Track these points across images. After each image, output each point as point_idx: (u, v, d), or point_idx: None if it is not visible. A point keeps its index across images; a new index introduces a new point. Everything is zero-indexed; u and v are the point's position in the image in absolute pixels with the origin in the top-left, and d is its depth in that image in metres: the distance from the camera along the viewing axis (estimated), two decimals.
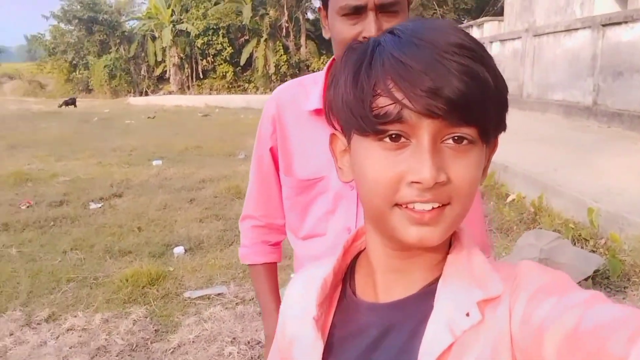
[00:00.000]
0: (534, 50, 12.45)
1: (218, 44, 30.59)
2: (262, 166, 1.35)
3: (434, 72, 0.54)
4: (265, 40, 30.24)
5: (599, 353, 0.47)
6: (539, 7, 14.40)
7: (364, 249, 0.73)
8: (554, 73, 11.45)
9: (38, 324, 3.48)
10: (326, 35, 1.21)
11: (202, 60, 33.60)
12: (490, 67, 0.58)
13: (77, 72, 32.44)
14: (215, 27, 28.91)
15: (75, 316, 3.57)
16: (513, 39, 13.73)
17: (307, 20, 30.06)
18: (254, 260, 1.43)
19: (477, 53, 0.57)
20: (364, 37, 1.09)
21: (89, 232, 5.35)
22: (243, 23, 28.16)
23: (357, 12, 1.10)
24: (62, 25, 32.56)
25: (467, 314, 0.59)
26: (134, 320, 3.49)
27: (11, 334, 3.33)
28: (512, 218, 5.02)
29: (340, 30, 1.13)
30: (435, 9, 24.89)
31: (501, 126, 0.63)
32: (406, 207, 0.58)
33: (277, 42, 28.32)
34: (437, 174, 0.56)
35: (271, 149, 1.33)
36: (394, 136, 0.57)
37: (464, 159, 0.58)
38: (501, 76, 0.60)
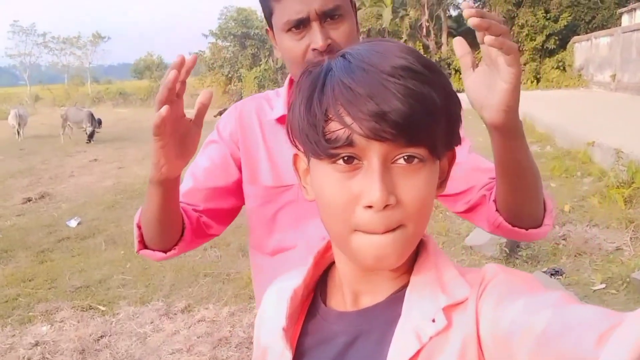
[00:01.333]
0: None
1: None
2: (217, 161, 1.23)
3: (379, 97, 0.55)
4: (405, 41, 30.12)
5: (569, 354, 0.47)
6: None
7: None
8: None
9: (175, 314, 3.89)
10: (277, 55, 1.18)
11: None
12: (438, 86, 0.58)
13: (232, 85, 35.19)
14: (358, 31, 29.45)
15: (207, 308, 3.92)
16: None
17: (450, 17, 29.31)
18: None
19: (423, 74, 0.58)
20: (314, 49, 1.07)
21: (227, 231, 5.73)
22: (383, 26, 28.32)
23: (301, 25, 1.07)
24: (219, 42, 35.49)
25: (433, 320, 0.60)
26: (256, 314, 3.74)
27: (152, 322, 3.77)
28: None
29: (288, 46, 1.11)
30: None
31: (453, 141, 0.63)
32: (362, 231, 0.59)
33: (417, 42, 27.98)
34: (387, 196, 0.57)
35: (232, 156, 1.23)
36: (346, 158, 0.58)
37: (413, 178, 0.58)
38: (452, 93, 0.61)
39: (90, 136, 14.83)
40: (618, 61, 16.31)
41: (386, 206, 0.57)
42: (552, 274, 3.91)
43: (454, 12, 29.74)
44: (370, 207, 0.57)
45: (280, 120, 1.20)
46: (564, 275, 3.95)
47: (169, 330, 3.61)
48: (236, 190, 1.23)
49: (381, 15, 28.68)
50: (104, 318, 3.89)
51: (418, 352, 0.60)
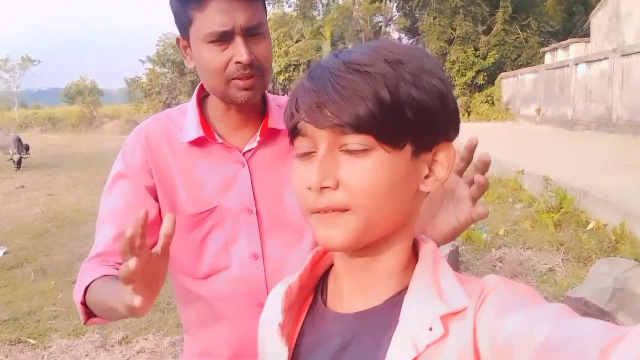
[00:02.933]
0: (623, 71, 11.76)
1: (298, 78, 31.56)
2: (132, 200, 1.16)
3: (322, 90, 0.61)
4: None
5: None
6: (628, 26, 13.64)
7: None
8: None
9: (112, 345, 3.70)
10: (189, 64, 1.16)
11: (283, 95, 34.67)
12: (391, 79, 0.61)
13: None
14: (296, 63, 29.86)
15: (146, 339, 3.76)
16: (600, 59, 13.07)
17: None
18: (93, 276, 1.08)
19: (374, 67, 0.61)
20: (237, 62, 1.08)
21: None
22: (322, 57, 28.89)
23: (224, 38, 1.08)
24: (157, 68, 34.96)
25: (430, 329, 0.60)
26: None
27: (87, 355, 3.57)
28: (592, 246, 4.72)
29: (208, 58, 1.09)
30: (519, 33, 24.24)
31: (423, 133, 0.64)
32: (314, 212, 0.64)
33: None
34: (322, 179, 0.61)
35: (147, 189, 1.18)
36: (307, 152, 0.64)
37: (357, 163, 0.61)
38: (419, 86, 0.62)
39: (19, 163, 14.08)
40: (542, 96, 17.37)
41: (324, 188, 0.61)
42: None
43: None
44: (310, 189, 0.62)
45: (195, 142, 1.18)
46: None
47: None
48: (158, 223, 1.11)
49: (320, 47, 29.29)
50: (34, 352, 3.65)
51: None
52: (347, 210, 0.62)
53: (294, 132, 0.65)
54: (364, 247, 0.65)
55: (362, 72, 0.60)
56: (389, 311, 0.65)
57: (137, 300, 0.78)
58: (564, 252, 4.80)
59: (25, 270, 5.47)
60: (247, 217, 1.19)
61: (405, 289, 0.65)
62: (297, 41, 31.80)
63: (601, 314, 3.28)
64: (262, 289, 1.19)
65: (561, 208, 5.81)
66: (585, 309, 3.32)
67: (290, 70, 32.53)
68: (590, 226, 5.21)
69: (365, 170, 0.61)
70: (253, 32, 1.09)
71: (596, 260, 4.33)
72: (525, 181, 7.65)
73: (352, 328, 0.67)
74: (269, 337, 0.74)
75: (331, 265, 0.76)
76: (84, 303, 1.07)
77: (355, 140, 0.61)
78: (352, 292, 0.69)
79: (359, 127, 0.60)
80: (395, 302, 0.65)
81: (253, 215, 1.19)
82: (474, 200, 0.90)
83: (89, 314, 1.08)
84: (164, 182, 1.19)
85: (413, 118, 0.62)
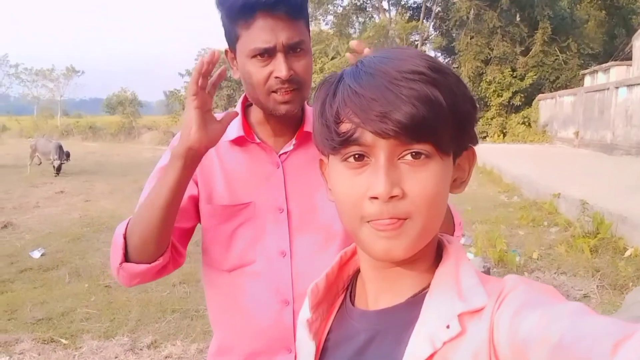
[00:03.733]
0: None
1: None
2: None
3: (383, 99, 0.60)
4: None
5: None
6: None
7: None
8: None
9: (140, 349, 3.76)
10: (235, 75, 1.24)
11: None
12: (445, 86, 0.62)
13: None
14: (312, 67, 30.16)
15: (174, 345, 3.81)
16: None
17: None
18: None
19: (429, 76, 0.61)
20: (276, 77, 1.14)
21: (197, 267, 5.70)
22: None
23: (267, 54, 1.14)
24: None
25: (448, 326, 0.61)
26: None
27: (116, 357, 3.63)
28: (629, 274, 4.57)
29: (251, 71, 1.16)
30: (558, 55, 23.89)
31: (465, 139, 0.67)
32: (371, 222, 0.63)
33: None
34: (391, 188, 0.60)
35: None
36: (357, 156, 0.63)
37: (419, 172, 0.62)
38: (461, 93, 0.64)
39: (58, 169, 14.52)
40: (581, 119, 17.04)
41: (392, 197, 0.61)
42: None
43: None
44: (376, 198, 0.61)
45: (235, 141, 1.26)
46: None
47: None
48: (195, 209, 1.27)
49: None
50: (66, 351, 3.73)
51: (431, 357, 0.61)
52: (407, 218, 0.62)
53: (344, 138, 0.63)
54: None
55: (418, 80, 0.61)
56: (410, 309, 0.66)
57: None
58: (599, 279, 4.67)
59: (61, 272, 5.61)
60: (278, 215, 1.24)
61: (427, 287, 0.67)
62: (332, 58, 32.09)
63: None
64: (288, 286, 1.24)
65: (598, 233, 5.66)
66: None
67: None
68: (627, 253, 5.06)
69: (426, 179, 0.62)
70: (294, 49, 1.16)
71: (633, 288, 4.20)
72: (562, 205, 7.49)
73: (375, 325, 0.69)
74: (299, 331, 0.77)
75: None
76: (125, 237, 1.12)
77: (416, 149, 0.62)
78: (377, 292, 0.71)
79: (421, 134, 0.61)
80: (417, 301, 0.67)
81: (284, 214, 1.24)
82: None
83: (125, 255, 1.12)
84: (205, 174, 1.26)
85: (460, 125, 0.64)
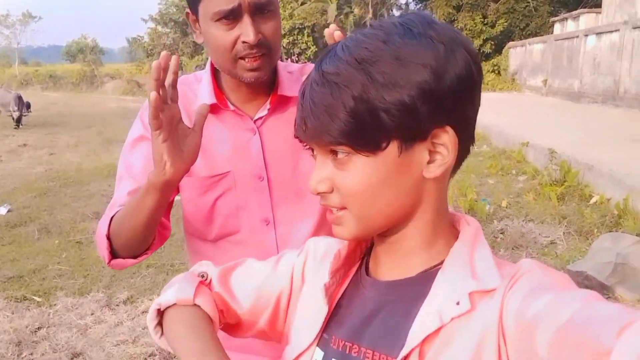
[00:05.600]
0: (633, 44, 11.58)
1: (303, 42, 31.15)
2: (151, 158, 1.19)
3: (300, 106, 0.66)
4: None
5: (588, 344, 0.48)
6: None
7: None
8: None
9: (117, 305, 3.75)
10: (198, 39, 1.16)
11: (286, 59, 34.32)
12: (355, 86, 0.61)
13: None
14: (300, 26, 29.43)
15: (151, 299, 3.80)
16: (610, 31, 12.86)
17: (393, 17, 29.83)
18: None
19: (342, 76, 0.61)
20: (243, 41, 1.08)
21: (172, 221, 5.66)
22: (328, 22, 28.44)
23: (231, 16, 1.07)
24: (159, 27, 34.48)
25: (458, 303, 0.62)
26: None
27: (92, 314, 3.62)
28: (594, 221, 4.73)
29: (216, 35, 1.09)
30: (528, 2, 23.77)
31: (406, 128, 0.62)
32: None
33: None
34: (316, 185, 0.67)
35: None
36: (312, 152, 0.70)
37: (343, 168, 0.65)
38: (375, 90, 0.60)
39: (18, 120, 14.02)
40: (550, 67, 17.17)
41: (320, 193, 0.67)
42: None
43: (396, 12, 30.29)
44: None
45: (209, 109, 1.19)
46: None
47: (111, 322, 3.49)
48: None
49: (326, 11, 28.80)
50: (40, 309, 3.70)
51: (438, 330, 0.62)
52: (344, 208, 0.67)
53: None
54: (385, 231, 0.69)
55: (331, 83, 0.62)
56: (421, 284, 0.67)
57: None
58: (566, 226, 4.82)
59: (29, 228, 5.50)
60: (258, 183, 1.21)
61: (439, 264, 0.68)
62: (302, 3, 31.24)
63: (601, 288, 3.32)
64: (273, 252, 1.20)
65: (565, 181, 5.81)
66: (586, 282, 3.35)
67: (294, 34, 32.06)
68: (593, 200, 5.22)
69: (350, 176, 0.65)
70: (262, 10, 1.09)
71: (598, 235, 4.36)
72: (530, 153, 7.63)
73: (384, 295, 0.70)
74: (310, 291, 0.78)
75: None
76: (108, 237, 1.10)
77: (336, 149, 0.65)
78: (389, 264, 0.72)
79: (334, 139, 0.63)
80: (428, 276, 0.67)
81: (264, 181, 1.21)
82: None
83: (112, 253, 1.11)
84: None
85: (389, 119, 0.61)
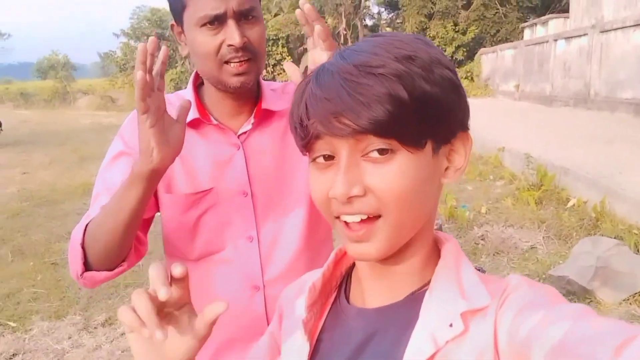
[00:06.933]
0: (602, 47, 11.85)
1: (277, 54, 31.21)
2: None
3: (337, 98, 0.58)
4: None
5: None
6: (607, 1, 13.69)
7: None
8: (623, 70, 10.85)
9: (95, 328, 3.65)
10: (184, 51, 1.16)
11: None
12: (407, 78, 0.58)
13: None
14: (274, 37, 29.44)
15: None
16: (579, 35, 13.14)
17: (366, 26, 30.12)
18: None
19: (389, 68, 0.58)
20: (229, 45, 1.08)
21: (150, 239, 5.56)
22: (302, 32, 28.58)
23: (216, 22, 1.08)
24: (132, 42, 34.16)
25: (451, 325, 0.60)
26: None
27: (69, 338, 3.51)
28: (572, 224, 4.78)
29: (202, 41, 1.10)
30: (498, 8, 24.20)
31: (441, 128, 0.62)
32: (340, 219, 0.63)
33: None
34: (350, 188, 0.59)
35: None
36: (326, 156, 0.62)
37: (383, 168, 0.60)
38: (433, 82, 0.60)
39: None
40: (521, 72, 17.45)
41: (353, 197, 0.60)
42: None
43: (369, 22, 30.58)
44: (334, 198, 0.61)
45: (191, 124, 1.17)
46: (485, 273, 4.13)
47: (89, 346, 3.39)
48: (154, 200, 1.20)
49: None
50: (15, 335, 3.58)
51: (433, 356, 0.60)
52: (379, 216, 0.61)
53: (309, 139, 0.62)
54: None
55: (376, 75, 0.58)
56: (410, 307, 0.65)
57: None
58: (545, 230, 4.86)
59: (2, 251, 5.35)
60: (242, 199, 1.19)
61: (426, 285, 0.66)
62: (275, 15, 31.35)
63: (583, 292, 3.34)
64: (257, 271, 1.21)
65: (542, 185, 5.87)
66: (568, 287, 3.38)
67: (269, 45, 32.11)
68: (570, 204, 5.28)
69: (391, 175, 0.60)
70: (245, 16, 1.10)
71: (577, 238, 4.40)
72: (506, 158, 7.71)
73: (373, 323, 0.67)
74: (289, 328, 0.75)
75: (354, 262, 0.77)
76: (83, 246, 1.05)
77: (377, 146, 0.59)
78: (374, 289, 0.69)
79: (381, 131, 0.58)
80: (416, 298, 0.65)
81: (248, 197, 1.20)
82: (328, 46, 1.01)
83: (86, 264, 1.06)
84: None
85: (432, 115, 0.60)
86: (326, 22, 0.99)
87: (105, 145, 1.22)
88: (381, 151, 0.59)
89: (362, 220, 0.61)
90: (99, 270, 1.06)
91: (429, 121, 0.60)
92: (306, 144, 0.62)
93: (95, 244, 1.04)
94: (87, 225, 1.06)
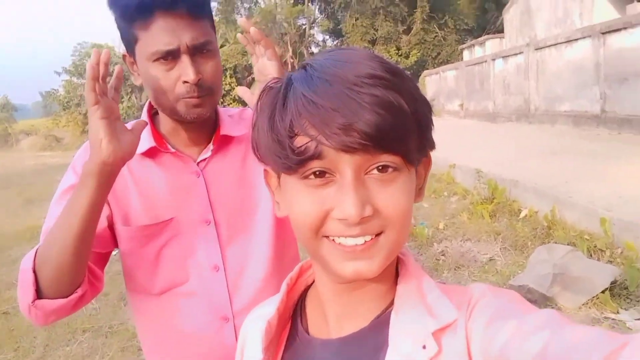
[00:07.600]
0: (537, 64, 12.44)
1: (226, 84, 31.21)
2: None
3: (345, 108, 0.53)
4: None
5: None
6: (539, 20, 14.46)
7: (312, 282, 0.72)
8: (559, 84, 11.41)
9: None
10: (137, 81, 1.14)
11: None
12: (405, 91, 0.57)
13: None
14: (222, 68, 29.56)
15: None
16: (515, 54, 13.75)
17: (312, 54, 30.64)
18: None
19: (390, 80, 0.56)
20: (185, 82, 1.06)
21: (106, 280, 5.36)
22: (249, 62, 28.75)
23: (170, 57, 1.05)
24: (74, 79, 33.38)
25: (424, 347, 0.58)
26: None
27: None
28: (526, 234, 4.93)
29: (155, 76, 1.07)
30: (437, 32, 25.12)
31: (426, 146, 0.62)
32: (334, 241, 0.58)
33: None
34: (363, 209, 0.55)
35: None
36: (318, 173, 0.57)
37: (390, 187, 0.57)
38: (421, 97, 0.60)
39: None
40: (464, 91, 18.08)
41: (362, 218, 0.55)
42: None
43: (315, 49, 31.09)
44: (344, 219, 0.56)
45: (147, 153, 1.15)
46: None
47: None
48: (111, 233, 1.15)
49: (246, 52, 29.00)
50: None
51: None
52: (380, 233, 0.58)
53: (302, 154, 0.56)
54: None
55: (381, 86, 0.55)
56: (377, 332, 0.62)
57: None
58: (501, 241, 4.99)
59: None
60: (205, 228, 1.16)
61: (389, 306, 0.63)
62: (221, 46, 31.43)
63: (544, 299, 3.44)
64: (225, 301, 1.17)
65: (494, 199, 6.05)
66: (529, 295, 3.46)
67: None
68: (522, 214, 5.45)
69: (398, 194, 0.57)
70: (201, 50, 1.07)
71: (532, 247, 4.53)
72: (458, 174, 7.92)
73: (341, 355, 0.63)
74: None
75: (305, 290, 0.73)
76: (34, 270, 0.99)
77: (385, 162, 0.56)
78: (340, 317, 0.65)
79: (389, 146, 0.55)
80: (382, 322, 0.62)
81: (211, 225, 1.17)
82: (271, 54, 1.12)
83: (38, 291, 0.99)
84: (118, 193, 1.14)
85: (425, 131, 0.60)
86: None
87: (52, 186, 1.18)
88: (383, 168, 0.56)
89: (365, 242, 0.57)
90: (51, 299, 0.99)
91: (422, 137, 0.60)
92: (301, 160, 0.56)
93: (47, 264, 0.97)
94: (37, 249, 1.01)
